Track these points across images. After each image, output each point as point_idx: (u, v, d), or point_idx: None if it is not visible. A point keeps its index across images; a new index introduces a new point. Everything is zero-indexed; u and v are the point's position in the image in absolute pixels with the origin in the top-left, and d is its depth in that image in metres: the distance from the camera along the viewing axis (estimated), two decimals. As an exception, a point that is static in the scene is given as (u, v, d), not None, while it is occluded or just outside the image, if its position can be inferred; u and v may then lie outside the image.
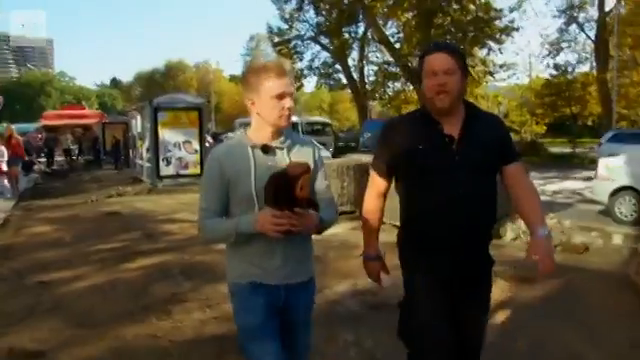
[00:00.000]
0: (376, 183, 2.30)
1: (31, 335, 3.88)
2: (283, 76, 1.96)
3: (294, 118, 21.04)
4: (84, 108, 39.94)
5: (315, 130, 26.61)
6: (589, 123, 39.11)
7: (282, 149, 2.04)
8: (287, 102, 1.97)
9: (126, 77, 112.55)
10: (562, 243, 6.34)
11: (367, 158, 9.96)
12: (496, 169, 2.23)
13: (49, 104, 72.90)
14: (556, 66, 31.36)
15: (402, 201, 2.26)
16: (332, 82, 41.03)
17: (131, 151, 18.89)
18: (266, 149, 2.01)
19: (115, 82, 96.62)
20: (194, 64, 78.80)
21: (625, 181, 8.67)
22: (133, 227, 8.30)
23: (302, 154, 2.08)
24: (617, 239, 6.85)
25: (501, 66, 32.22)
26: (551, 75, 32.36)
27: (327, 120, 22.91)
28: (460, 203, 2.09)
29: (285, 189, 1.80)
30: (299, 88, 40.83)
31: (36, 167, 19.54)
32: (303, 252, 2.13)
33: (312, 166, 2.00)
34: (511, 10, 30.51)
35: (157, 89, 71.50)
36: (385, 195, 2.30)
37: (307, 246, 2.15)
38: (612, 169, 9.50)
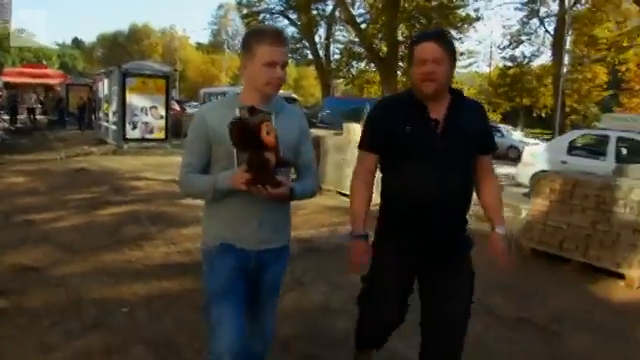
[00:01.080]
0: (364, 162, 2.35)
1: (26, 257, 4.75)
2: (277, 45, 1.97)
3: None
4: (46, 67, 39.39)
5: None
6: (543, 115, 40.99)
7: (269, 113, 2.00)
8: (277, 71, 1.98)
9: (88, 38, 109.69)
10: (475, 213, 7.49)
11: (324, 132, 10.95)
12: (474, 155, 2.33)
13: (7, 61, 70.65)
14: (511, 57, 32.84)
15: (384, 179, 2.36)
16: (298, 57, 41.89)
17: (95, 113, 19.38)
18: (252, 111, 1.98)
19: (77, 42, 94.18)
20: (160, 29, 77.55)
21: (543, 166, 9.90)
22: (102, 182, 9.08)
23: (288, 121, 2.10)
24: (523, 213, 8.05)
25: (462, 54, 33.64)
26: (505, 66, 33.82)
27: (294, 95, 23.66)
28: (440, 185, 2.17)
29: (250, 131, 1.84)
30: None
31: (-1, 124, 19.83)
32: (279, 218, 2.13)
33: (298, 134, 2.11)
34: None
35: (120, 52, 70.33)
36: (374, 174, 2.35)
37: (284, 213, 2.16)
38: (535, 155, 10.78)
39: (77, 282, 4.16)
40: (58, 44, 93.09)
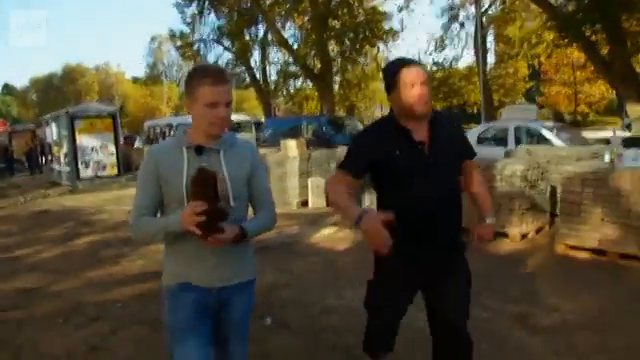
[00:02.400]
0: (339, 178, 2.44)
1: (22, 282, 5.65)
2: (219, 84, 1.94)
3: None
4: (-20, 118, 38.94)
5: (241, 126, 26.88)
6: (475, 111, 43.37)
7: (217, 151, 2.03)
8: (220, 111, 1.96)
9: (20, 82, 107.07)
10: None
11: (266, 150, 12.03)
12: (460, 163, 2.51)
13: None
14: (435, 63, 34.89)
15: (381, 202, 2.48)
16: (237, 81, 42.97)
17: (44, 157, 19.89)
18: (200, 150, 2.01)
19: (8, 88, 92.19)
20: (94, 66, 76.86)
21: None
22: (67, 219, 9.89)
23: (238, 155, 2.10)
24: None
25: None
26: (432, 70, 35.93)
27: (248, 118, 24.57)
28: (437, 199, 2.32)
29: (211, 185, 1.86)
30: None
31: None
32: (239, 254, 2.10)
33: (249, 168, 2.11)
34: (399, 10, 33.69)
35: (56, 94, 69.39)
36: (348, 187, 2.41)
37: (244, 248, 2.11)
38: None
39: (72, 293, 5.13)
40: None
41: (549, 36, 22.96)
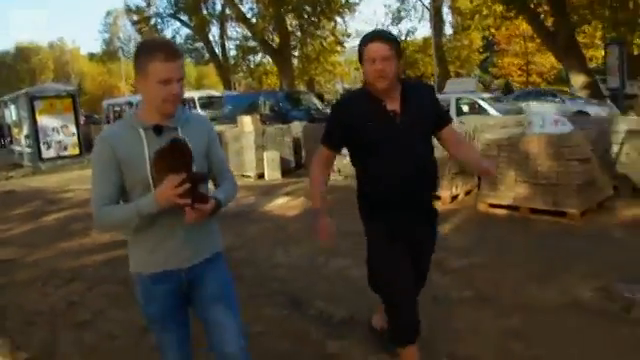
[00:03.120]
0: (324, 155, 2.64)
1: (0, 255, 6.17)
2: (171, 60, 1.88)
3: (191, 94, 22.44)
4: None
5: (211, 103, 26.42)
6: (432, 83, 44.29)
7: (175, 128, 2.00)
8: (174, 88, 1.90)
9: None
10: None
11: (225, 127, 12.55)
12: (432, 131, 2.62)
13: None
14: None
15: (357, 169, 2.66)
16: (196, 57, 42.85)
17: (2, 139, 19.88)
18: (159, 130, 1.96)
19: None
20: (48, 43, 74.68)
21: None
22: (33, 199, 10.27)
23: (195, 130, 2.07)
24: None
25: (348, 35, 36.06)
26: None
27: (219, 94, 24.67)
28: (408, 166, 2.45)
29: (189, 153, 1.87)
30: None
31: None
32: (205, 229, 2.09)
33: (207, 141, 2.11)
34: None
35: (8, 73, 67.41)
36: (331, 165, 2.70)
37: (209, 221, 2.09)
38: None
39: (48, 261, 5.68)
40: None
41: (498, 8, 23.81)
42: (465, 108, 11.46)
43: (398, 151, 2.44)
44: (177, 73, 1.91)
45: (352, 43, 36.65)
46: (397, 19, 39.55)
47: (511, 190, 6.10)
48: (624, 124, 6.55)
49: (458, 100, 11.67)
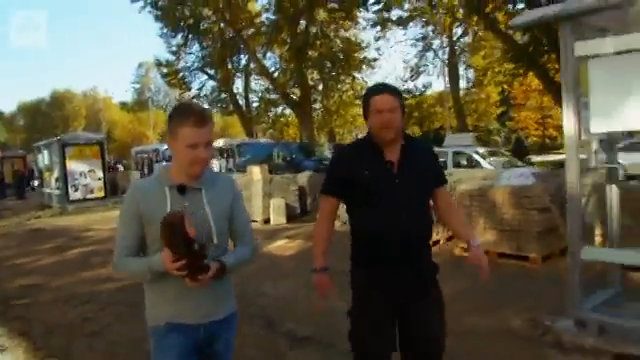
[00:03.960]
0: (326, 206, 2.59)
1: (26, 281, 7.00)
2: (200, 126, 1.97)
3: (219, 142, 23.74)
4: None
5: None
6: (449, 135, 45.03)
7: (199, 189, 2.08)
8: (200, 152, 1.99)
9: (7, 108, 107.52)
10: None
11: (237, 175, 13.48)
12: (430, 190, 2.58)
13: None
14: (407, 91, 36.69)
15: (351, 220, 2.58)
16: (220, 108, 44.62)
17: (36, 181, 21.20)
18: (182, 189, 2.04)
19: None
20: (82, 92, 77.71)
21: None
22: (59, 236, 11.23)
23: (220, 192, 2.14)
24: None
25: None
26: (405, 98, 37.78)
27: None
28: (401, 221, 2.40)
29: (180, 232, 1.87)
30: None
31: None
32: (221, 287, 2.13)
33: (230, 203, 2.16)
34: (376, 39, 35.39)
35: (43, 119, 70.26)
36: (335, 214, 2.61)
37: (225, 281, 2.15)
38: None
39: (68, 287, 6.50)
40: None
41: (509, 66, 24.75)
42: (462, 161, 12.23)
43: (393, 202, 2.41)
44: (205, 138, 2.00)
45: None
46: (416, 74, 41.07)
47: (481, 236, 6.75)
48: (589, 178, 7.22)
49: (455, 153, 12.46)
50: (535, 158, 14.87)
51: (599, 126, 3.72)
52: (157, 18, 35.81)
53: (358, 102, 38.45)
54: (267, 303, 5.40)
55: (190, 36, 37.93)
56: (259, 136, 44.94)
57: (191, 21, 35.73)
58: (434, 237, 7.62)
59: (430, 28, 34.51)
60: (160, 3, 34.30)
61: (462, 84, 39.10)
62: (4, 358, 4.19)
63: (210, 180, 2.13)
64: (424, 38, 39.81)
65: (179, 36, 37.99)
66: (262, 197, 10.85)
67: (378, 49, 47.07)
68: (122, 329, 4.74)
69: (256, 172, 11.03)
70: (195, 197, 2.06)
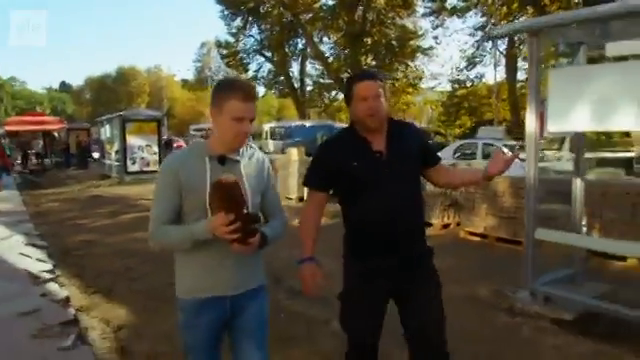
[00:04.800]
0: (313, 197, 2.57)
1: (85, 237, 8.17)
2: (247, 101, 2.02)
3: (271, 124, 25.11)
4: (43, 114, 42.60)
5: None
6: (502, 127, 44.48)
7: (238, 161, 2.12)
8: (245, 126, 2.04)
9: (76, 81, 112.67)
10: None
11: (276, 156, 14.37)
12: (419, 173, 2.58)
13: (0, 109, 72.67)
14: (458, 81, 36.60)
15: (343, 211, 2.55)
16: (277, 90, 45.72)
17: (97, 153, 22.94)
18: (222, 160, 2.07)
19: (64, 86, 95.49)
20: (146, 69, 79.80)
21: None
22: (115, 203, 12.51)
23: (256, 167, 2.20)
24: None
25: (420, 78, 37.58)
26: (453, 88, 37.66)
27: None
28: (393, 209, 2.38)
29: (238, 193, 1.93)
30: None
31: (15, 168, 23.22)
32: (253, 259, 2.17)
33: (265, 179, 2.24)
34: (434, 27, 35.46)
35: (108, 94, 73.09)
36: (322, 207, 2.56)
37: (258, 253, 2.16)
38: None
39: (118, 244, 7.60)
40: (46, 89, 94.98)
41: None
42: (487, 151, 12.71)
43: (384, 192, 2.39)
44: (250, 113, 2.05)
45: (426, 84, 38.41)
46: (472, 64, 40.69)
47: (483, 221, 7.41)
48: (591, 175, 7.69)
49: (484, 145, 12.94)
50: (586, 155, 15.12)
51: (554, 127, 4.34)
52: (218, 1, 37.08)
53: (410, 90, 38.76)
54: (279, 265, 6.25)
55: (250, 19, 39.11)
56: (312, 119, 45.95)
57: (251, 4, 36.85)
58: (445, 220, 8.31)
59: (486, 19, 34.13)
60: (222, -15, 35.34)
61: (520, 76, 38.68)
62: (63, 291, 5.24)
63: (248, 154, 2.20)
64: (483, 28, 39.56)
65: (239, 19, 39.26)
66: (298, 177, 11.71)
67: (436, 37, 46.83)
68: (156, 277, 5.71)
69: (294, 153, 11.90)
70: (234, 168, 2.11)
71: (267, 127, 30.99)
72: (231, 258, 2.07)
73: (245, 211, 1.96)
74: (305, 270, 2.45)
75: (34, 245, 7.46)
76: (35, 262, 6.43)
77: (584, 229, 6.69)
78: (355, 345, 2.60)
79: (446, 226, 8.32)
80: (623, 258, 6.04)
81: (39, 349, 3.75)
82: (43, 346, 3.81)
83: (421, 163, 2.56)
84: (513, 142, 13.25)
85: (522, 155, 7.53)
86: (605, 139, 16.55)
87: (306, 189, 2.68)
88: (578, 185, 4.94)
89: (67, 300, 4.91)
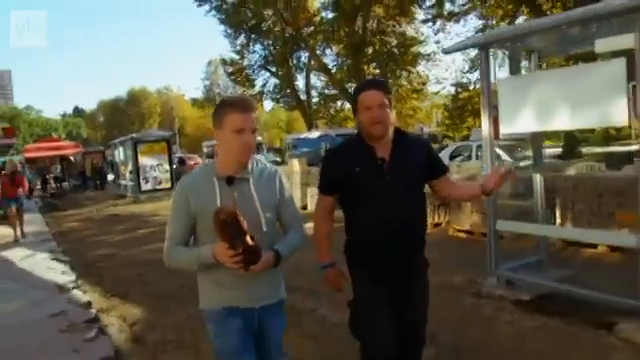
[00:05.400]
0: (322, 203, 2.65)
1: (104, 251, 8.89)
2: (245, 112, 2.05)
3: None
4: (59, 140, 43.65)
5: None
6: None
7: (247, 180, 2.13)
8: (247, 136, 2.06)
9: (89, 105, 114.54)
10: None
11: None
12: (423, 183, 2.63)
13: (19, 138, 74.00)
14: (460, 84, 36.97)
15: (345, 217, 2.62)
16: (284, 104, 46.47)
17: (112, 174, 23.86)
18: (230, 181, 2.09)
19: (78, 111, 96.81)
20: (156, 90, 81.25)
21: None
22: (131, 220, 13.26)
23: (267, 183, 2.21)
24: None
25: (424, 83, 38.16)
26: (456, 91, 38.08)
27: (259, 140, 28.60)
28: (394, 216, 2.44)
29: (233, 225, 1.94)
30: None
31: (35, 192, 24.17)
32: (273, 274, 2.21)
33: (278, 192, 2.25)
34: (435, 32, 35.96)
35: (121, 116, 74.49)
36: (332, 212, 2.65)
37: (277, 269, 2.21)
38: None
39: (133, 255, 8.32)
40: (61, 115, 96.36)
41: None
42: (480, 153, 13.25)
43: (385, 198, 2.44)
44: (250, 123, 2.07)
45: (432, 89, 39.07)
46: (475, 67, 40.99)
47: (469, 218, 7.98)
48: (572, 170, 8.25)
49: (478, 147, 13.48)
50: (595, 149, 15.66)
51: (506, 130, 4.94)
52: (221, 21, 38.00)
53: (415, 95, 39.27)
54: (284, 265, 6.89)
55: (252, 36, 39.94)
56: (320, 129, 46.61)
57: (253, 22, 37.66)
58: (436, 220, 8.87)
59: (484, 21, 34.63)
60: (224, 7, 36.24)
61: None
62: (85, 297, 5.92)
63: (257, 171, 2.21)
64: (482, 30, 39.98)
65: (242, 36, 40.05)
66: (300, 186, 12.37)
67: (438, 42, 47.38)
68: (167, 282, 6.34)
69: (295, 165, 12.58)
70: (243, 187, 2.14)
71: (289, 139, 31.65)
72: (245, 276, 2.09)
73: (248, 239, 1.98)
74: (329, 275, 2.64)
75: (58, 260, 8.21)
76: (60, 274, 7.15)
77: (559, 220, 7.30)
78: (370, 354, 2.62)
79: (437, 225, 8.89)
80: (594, 245, 6.55)
81: (68, 341, 4.45)
82: (71, 338, 4.51)
83: (426, 174, 2.61)
84: (506, 142, 13.72)
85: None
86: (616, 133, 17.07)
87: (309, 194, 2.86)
88: (537, 180, 5.50)
89: (89, 304, 5.60)
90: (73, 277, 6.94)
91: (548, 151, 16.22)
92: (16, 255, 8.81)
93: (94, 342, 4.38)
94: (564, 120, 4.46)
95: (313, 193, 12.14)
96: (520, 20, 33.87)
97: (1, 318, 5.31)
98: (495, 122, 5.00)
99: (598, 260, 6.16)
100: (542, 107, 4.56)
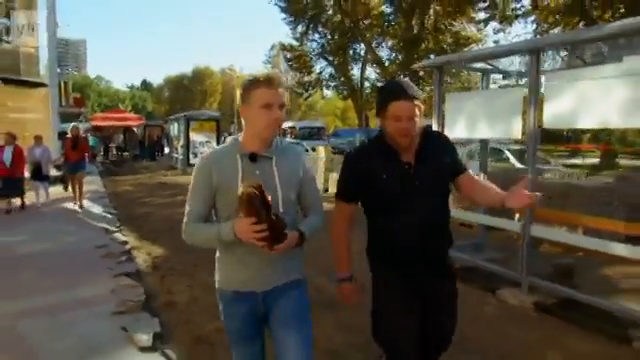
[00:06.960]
0: (342, 210, 2.52)
1: (145, 210, 10.67)
2: (273, 87, 2.02)
3: (290, 123, 27.53)
4: (125, 111, 46.34)
5: (311, 134, 32.84)
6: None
7: (270, 158, 2.10)
8: (275, 112, 2.02)
9: (156, 79, 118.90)
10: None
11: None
12: (449, 185, 2.53)
13: (87, 106, 77.63)
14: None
15: (370, 222, 2.54)
16: (340, 92, 47.63)
17: (167, 147, 26.06)
18: (254, 158, 2.06)
19: (145, 84, 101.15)
20: (219, 69, 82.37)
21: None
22: (177, 188, 15.02)
23: (290, 161, 2.17)
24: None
25: (475, 82, 38.57)
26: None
27: (321, 124, 29.44)
28: (422, 222, 2.37)
29: (260, 202, 1.90)
30: (308, 97, 47.47)
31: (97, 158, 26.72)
32: (289, 256, 2.13)
33: (301, 172, 2.19)
34: (496, 32, 36.26)
35: (185, 92, 76.27)
36: (353, 219, 2.53)
37: (299, 249, 2.17)
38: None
39: (168, 215, 10.00)
40: (129, 87, 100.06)
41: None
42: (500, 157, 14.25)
43: (413, 205, 2.37)
44: (278, 99, 2.05)
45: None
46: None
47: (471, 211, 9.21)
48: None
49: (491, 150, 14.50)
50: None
51: (451, 134, 6.24)
52: (282, 9, 39.56)
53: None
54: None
55: (312, 25, 41.22)
56: (370, 120, 47.61)
57: (313, 12, 38.92)
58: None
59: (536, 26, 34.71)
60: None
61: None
62: (124, 237, 7.70)
63: (280, 149, 2.17)
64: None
65: (302, 25, 41.40)
66: (324, 171, 13.83)
67: (497, 42, 47.24)
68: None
69: (320, 151, 14.04)
70: (265, 165, 2.10)
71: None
72: (260, 256, 2.07)
73: (273, 217, 1.94)
74: (345, 289, 2.53)
75: (109, 212, 10.11)
76: (108, 223, 8.97)
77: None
78: (395, 356, 2.54)
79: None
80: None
81: (106, 263, 6.24)
82: (108, 262, 6.28)
83: (450, 175, 2.54)
84: (518, 146, 14.52)
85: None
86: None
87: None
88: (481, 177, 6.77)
89: (125, 242, 7.39)
90: (117, 225, 8.73)
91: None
92: (78, 207, 10.75)
93: (123, 264, 6.13)
94: (485, 130, 5.74)
95: (335, 178, 13.57)
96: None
97: (62, 246, 7.20)
98: (443, 128, 6.31)
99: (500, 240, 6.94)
100: (470, 119, 5.87)
